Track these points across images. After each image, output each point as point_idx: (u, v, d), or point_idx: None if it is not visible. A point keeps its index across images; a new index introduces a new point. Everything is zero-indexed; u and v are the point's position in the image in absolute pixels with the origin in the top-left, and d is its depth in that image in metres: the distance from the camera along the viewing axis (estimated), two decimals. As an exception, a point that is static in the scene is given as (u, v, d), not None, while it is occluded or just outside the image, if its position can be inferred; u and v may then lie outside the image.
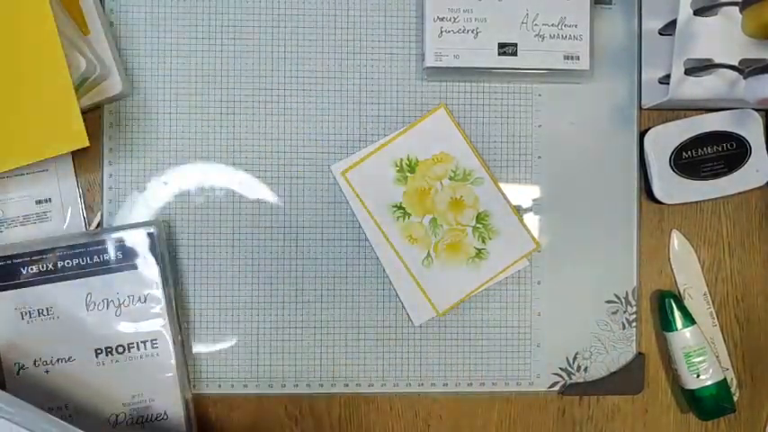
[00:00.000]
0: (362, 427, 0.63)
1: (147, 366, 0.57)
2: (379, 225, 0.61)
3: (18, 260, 0.56)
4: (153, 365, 0.58)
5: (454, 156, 0.62)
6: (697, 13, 0.57)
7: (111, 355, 0.57)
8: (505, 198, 0.62)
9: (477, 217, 0.62)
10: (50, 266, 0.56)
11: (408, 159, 0.61)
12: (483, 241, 0.62)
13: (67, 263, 0.57)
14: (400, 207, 0.61)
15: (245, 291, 0.62)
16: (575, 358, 0.63)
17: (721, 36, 0.57)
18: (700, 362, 0.61)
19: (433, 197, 0.62)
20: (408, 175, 0.61)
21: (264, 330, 0.62)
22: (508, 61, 0.60)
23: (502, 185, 0.63)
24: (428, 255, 0.62)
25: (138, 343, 0.57)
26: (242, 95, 0.61)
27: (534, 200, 0.63)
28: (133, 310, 0.57)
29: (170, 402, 0.58)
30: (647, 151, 0.62)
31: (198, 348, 0.61)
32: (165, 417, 0.58)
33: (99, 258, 0.57)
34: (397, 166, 0.61)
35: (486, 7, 0.59)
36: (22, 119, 0.52)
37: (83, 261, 0.57)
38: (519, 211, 0.63)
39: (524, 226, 0.62)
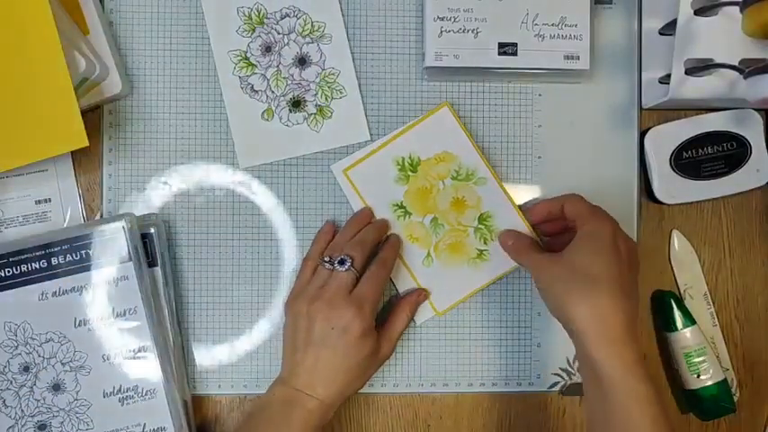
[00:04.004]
0: (362, 427, 0.63)
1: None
2: None
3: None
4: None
5: (457, 155, 0.61)
6: (697, 12, 0.57)
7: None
8: (509, 199, 0.61)
9: (479, 218, 0.61)
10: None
11: (410, 158, 0.61)
12: (485, 242, 0.61)
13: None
14: (401, 206, 0.61)
15: (245, 291, 0.62)
16: (575, 358, 0.63)
17: (721, 36, 0.57)
18: (700, 362, 0.61)
19: (434, 197, 0.61)
20: (410, 174, 0.61)
21: (264, 330, 0.62)
22: (508, 61, 0.60)
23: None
24: (428, 254, 0.61)
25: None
26: (242, 95, 0.61)
27: (534, 200, 0.63)
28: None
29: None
30: (647, 151, 0.62)
31: (197, 348, 0.61)
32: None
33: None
34: (398, 164, 0.61)
35: (486, 7, 0.59)
36: (22, 119, 0.52)
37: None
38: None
39: (528, 227, 0.61)
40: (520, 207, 0.61)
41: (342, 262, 0.55)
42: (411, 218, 0.61)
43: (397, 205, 0.61)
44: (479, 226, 0.61)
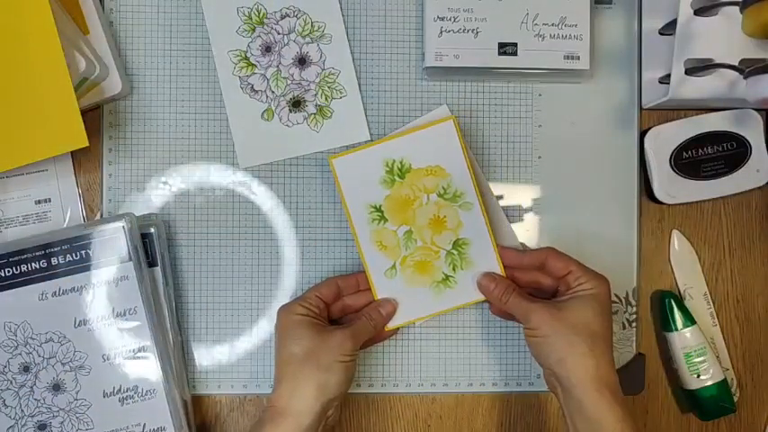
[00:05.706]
0: (362, 427, 0.63)
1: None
2: (352, 222, 0.58)
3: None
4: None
5: (450, 172, 0.58)
6: (697, 12, 0.57)
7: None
8: (491, 232, 0.58)
9: (454, 242, 0.58)
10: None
11: (401, 163, 0.58)
12: (453, 269, 0.58)
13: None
14: (378, 209, 0.58)
15: (244, 291, 0.62)
16: (575, 358, 0.63)
17: (721, 36, 0.57)
18: (700, 362, 0.61)
19: (415, 209, 0.58)
20: (397, 179, 0.58)
21: (264, 330, 0.62)
22: (508, 61, 0.60)
23: (502, 186, 0.62)
24: (393, 266, 0.58)
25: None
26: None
27: (534, 200, 0.63)
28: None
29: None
30: (647, 151, 0.62)
31: (197, 348, 0.61)
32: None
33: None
34: (387, 166, 0.58)
35: (486, 7, 0.59)
36: (22, 119, 0.52)
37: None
38: (519, 211, 0.62)
39: (501, 266, 0.58)
40: (517, 206, 0.60)
41: None
42: (385, 224, 0.58)
43: (375, 208, 0.58)
44: (452, 251, 0.58)
